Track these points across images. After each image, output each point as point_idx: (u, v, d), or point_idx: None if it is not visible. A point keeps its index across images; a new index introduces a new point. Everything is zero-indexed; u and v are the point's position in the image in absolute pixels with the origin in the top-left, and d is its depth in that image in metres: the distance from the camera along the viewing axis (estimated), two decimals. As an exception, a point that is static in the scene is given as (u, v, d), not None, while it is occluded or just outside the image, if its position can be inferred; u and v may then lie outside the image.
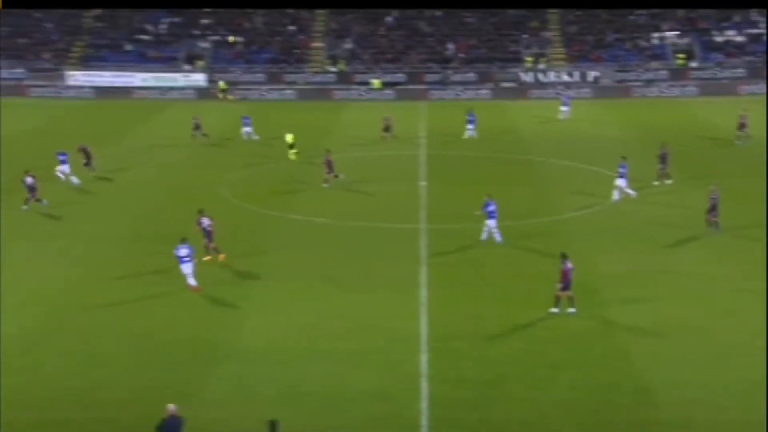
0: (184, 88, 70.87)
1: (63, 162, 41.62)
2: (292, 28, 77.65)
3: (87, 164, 43.06)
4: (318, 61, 74.33)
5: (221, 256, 30.41)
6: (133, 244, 32.77)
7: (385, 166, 45.65)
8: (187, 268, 27.75)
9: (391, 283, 28.64)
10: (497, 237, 32.53)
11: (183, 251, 27.70)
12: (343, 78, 71.88)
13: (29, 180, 37.28)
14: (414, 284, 28.57)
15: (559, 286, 25.82)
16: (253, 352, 23.86)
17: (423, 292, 27.88)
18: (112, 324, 25.55)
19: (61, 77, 71.56)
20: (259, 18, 78.28)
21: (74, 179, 41.33)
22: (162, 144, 50.89)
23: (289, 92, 70.70)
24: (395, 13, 77.80)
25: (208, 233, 30.28)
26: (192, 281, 27.83)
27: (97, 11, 78.25)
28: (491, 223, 32.44)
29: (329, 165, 40.56)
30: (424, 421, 20.52)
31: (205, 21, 77.99)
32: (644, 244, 32.28)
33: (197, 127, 51.73)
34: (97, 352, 23.72)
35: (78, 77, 71.80)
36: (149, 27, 77.70)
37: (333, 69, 72.91)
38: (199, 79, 72.00)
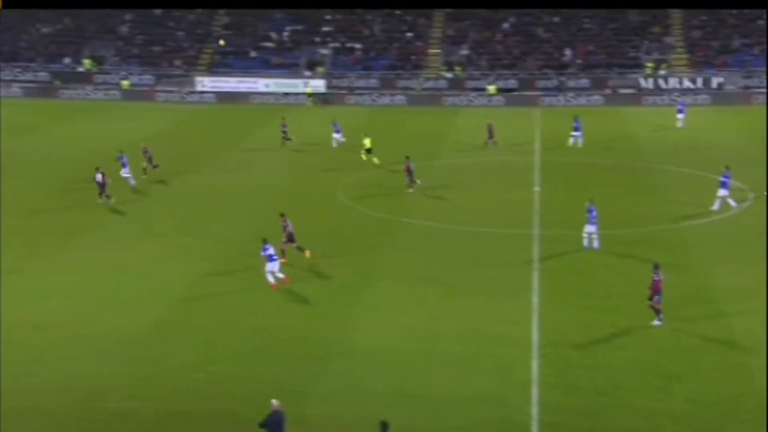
0: (302, 94, 72.22)
1: (123, 165, 41.70)
2: (409, 34, 78.09)
3: (151, 166, 43.65)
4: (434, 67, 74.53)
5: (307, 253, 30.97)
6: (253, 244, 33.58)
7: (496, 171, 45.43)
8: (273, 266, 28.56)
9: (502, 288, 28.50)
10: (595, 243, 32.09)
11: (270, 250, 28.68)
12: (456, 84, 71.88)
13: (99, 177, 38.61)
14: (525, 289, 28.35)
15: (654, 297, 25.10)
16: (364, 351, 24.13)
17: (534, 298, 27.64)
18: (231, 320, 26.27)
19: (191, 83, 73.96)
20: (377, 25, 79.08)
21: (131, 180, 41.79)
22: (275, 147, 51.76)
23: (399, 98, 71.10)
24: (512, 18, 77.32)
25: (290, 235, 31.07)
26: (271, 279, 28.56)
27: (225, 20, 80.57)
28: (591, 228, 32.05)
29: (409, 171, 40.85)
30: (535, 426, 20.36)
31: (325, 28, 79.28)
32: (760, 256, 31.06)
33: (285, 133, 52.07)
34: (216, 347, 24.43)
35: (205, 83, 74.05)
36: (273, 34, 79.50)
37: (448, 75, 73.00)
38: (318, 84, 73.17)
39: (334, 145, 51.41)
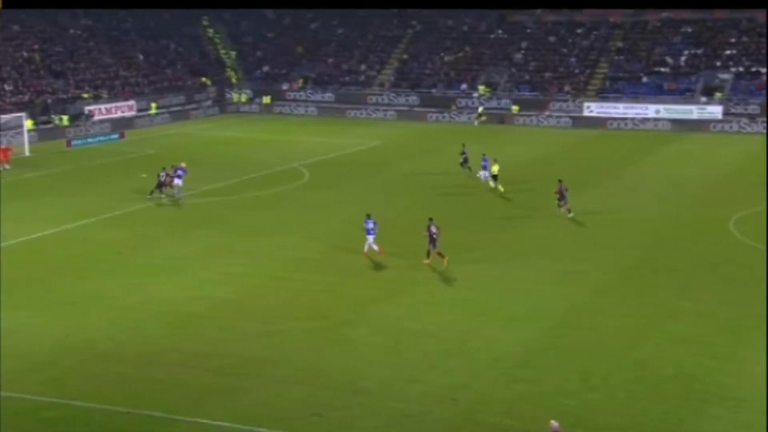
0: (699, 121, 68.57)
1: (179, 176, 42.80)
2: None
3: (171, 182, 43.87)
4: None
5: (445, 260, 32.38)
6: (629, 272, 32.22)
7: None
8: (370, 239, 33.00)
9: None
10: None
11: (370, 224, 33.06)
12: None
13: (163, 175, 41.56)
14: None
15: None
16: (751, 398, 21.84)
17: None
18: (609, 350, 25.17)
19: (579, 108, 73.51)
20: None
21: (178, 193, 42.70)
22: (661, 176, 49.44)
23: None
24: None
25: (433, 240, 32.60)
26: (366, 249, 33.00)
27: (619, 44, 79.12)
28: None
29: (561, 194, 39.09)
30: None
31: (728, 52, 74.60)
32: None
33: (465, 160, 49.37)
34: (592, 376, 23.53)
35: (592, 107, 73.15)
36: (668, 59, 76.49)
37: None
38: (715, 111, 68.99)
39: (483, 179, 46.35)
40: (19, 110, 61.87)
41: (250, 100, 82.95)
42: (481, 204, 43.70)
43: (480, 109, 75.05)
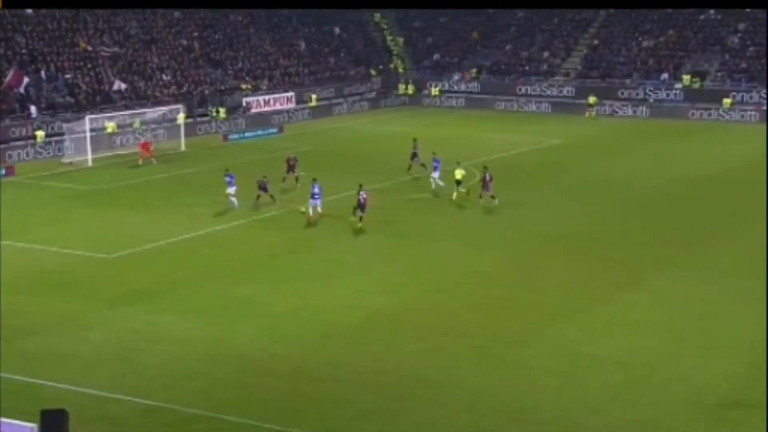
0: None
1: (230, 184, 42.31)
2: None
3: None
4: None
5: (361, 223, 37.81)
6: None
7: None
8: (316, 203, 39.83)
9: None
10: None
11: (316, 189, 39.66)
12: None
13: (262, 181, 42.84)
14: None
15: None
16: None
17: None
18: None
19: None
20: None
21: (234, 201, 42.54)
22: None
23: None
24: None
25: (361, 205, 38.72)
26: (311, 213, 39.68)
27: None
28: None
29: (485, 183, 41.78)
30: None
31: None
32: None
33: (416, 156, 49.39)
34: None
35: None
36: None
37: None
38: None
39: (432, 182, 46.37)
40: (176, 102, 65.16)
41: (417, 92, 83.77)
42: (682, 214, 42.44)
43: (591, 100, 73.72)
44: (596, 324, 28.77)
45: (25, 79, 61.76)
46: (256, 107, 72.54)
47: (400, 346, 26.90)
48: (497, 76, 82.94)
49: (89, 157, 55.46)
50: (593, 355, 26.18)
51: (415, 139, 51.44)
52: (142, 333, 27.81)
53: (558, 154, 58.63)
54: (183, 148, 60.35)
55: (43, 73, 63.79)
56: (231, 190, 42.71)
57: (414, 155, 50.39)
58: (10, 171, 52.17)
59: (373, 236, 38.70)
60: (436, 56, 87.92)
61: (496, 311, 29.75)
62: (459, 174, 43.96)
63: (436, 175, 46.29)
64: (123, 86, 66.22)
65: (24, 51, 64.72)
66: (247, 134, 66.63)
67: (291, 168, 47.70)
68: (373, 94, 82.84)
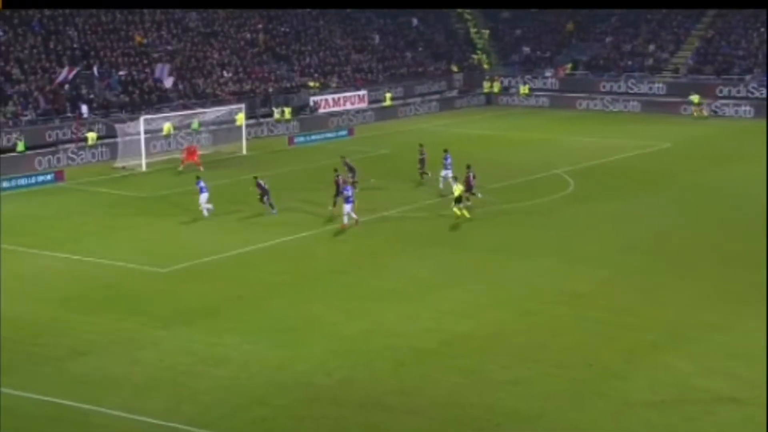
0: None
1: (202, 190, 43.47)
2: None
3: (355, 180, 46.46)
4: None
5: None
6: None
7: None
8: (348, 207, 40.81)
9: None
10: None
11: (349, 191, 41.27)
12: None
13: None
14: None
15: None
16: None
17: None
18: None
19: None
20: None
21: (207, 207, 43.58)
22: None
23: None
24: None
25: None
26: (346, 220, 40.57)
27: None
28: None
29: (469, 183, 42.91)
30: None
31: None
32: None
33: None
34: None
35: None
36: None
37: None
38: None
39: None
40: (238, 101, 65.80)
41: (503, 90, 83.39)
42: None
43: (694, 98, 72.83)
44: (708, 354, 28.12)
45: (72, 73, 62.54)
46: (325, 107, 72.97)
47: (484, 375, 26.60)
48: (595, 72, 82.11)
49: (143, 161, 56.31)
50: (704, 388, 25.60)
51: (421, 145, 51.39)
52: (200, 355, 27.97)
53: (667, 160, 57.86)
54: (244, 151, 60.93)
55: (95, 69, 65.02)
56: (203, 197, 43.59)
57: (421, 161, 50.41)
58: (59, 176, 53.25)
59: (450, 251, 38.49)
60: (525, 50, 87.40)
61: (593, 337, 29.28)
62: (458, 191, 43.24)
63: (446, 173, 46.91)
64: (171, 82, 66.69)
65: (75, 46, 66.06)
66: (313, 137, 66.99)
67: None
68: (454, 93, 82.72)
